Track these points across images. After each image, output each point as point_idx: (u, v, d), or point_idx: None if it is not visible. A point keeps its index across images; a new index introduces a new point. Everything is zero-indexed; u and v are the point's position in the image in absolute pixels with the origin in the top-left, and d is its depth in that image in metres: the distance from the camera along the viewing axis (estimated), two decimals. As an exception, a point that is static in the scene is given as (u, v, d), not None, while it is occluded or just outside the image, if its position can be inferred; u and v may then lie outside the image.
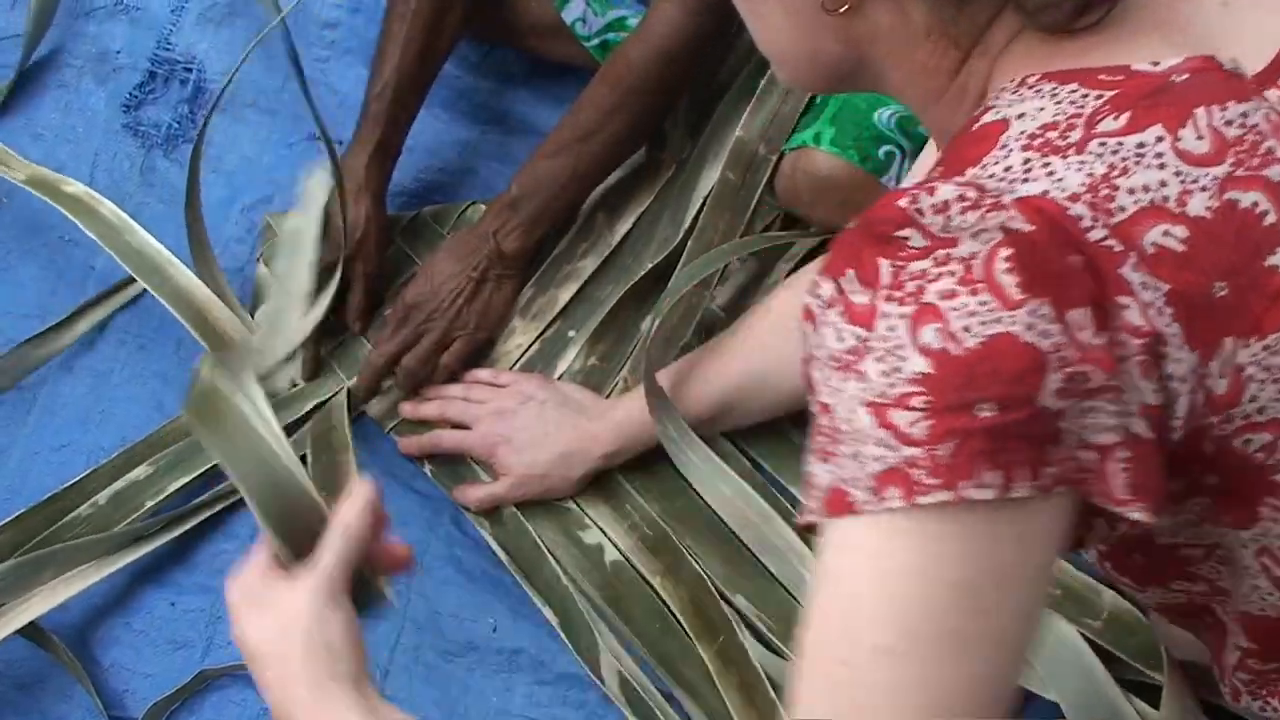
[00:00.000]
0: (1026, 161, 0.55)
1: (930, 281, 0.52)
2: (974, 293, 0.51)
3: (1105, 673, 0.94)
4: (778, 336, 1.04)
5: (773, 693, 1.00)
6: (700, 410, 1.09)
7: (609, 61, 1.16)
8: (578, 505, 1.13)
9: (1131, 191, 0.54)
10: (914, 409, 0.52)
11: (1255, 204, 0.55)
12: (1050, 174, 0.54)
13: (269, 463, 0.69)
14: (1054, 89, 0.57)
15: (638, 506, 1.12)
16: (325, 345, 1.20)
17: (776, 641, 1.04)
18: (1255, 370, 0.57)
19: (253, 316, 1.22)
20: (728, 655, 1.03)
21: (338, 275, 1.15)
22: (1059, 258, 0.52)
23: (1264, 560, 0.65)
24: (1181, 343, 0.54)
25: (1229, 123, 0.56)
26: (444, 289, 1.16)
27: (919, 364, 0.51)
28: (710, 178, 1.22)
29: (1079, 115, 0.55)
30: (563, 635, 1.07)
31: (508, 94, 1.35)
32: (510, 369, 1.19)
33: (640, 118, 1.16)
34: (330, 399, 1.18)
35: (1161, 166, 0.54)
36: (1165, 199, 0.54)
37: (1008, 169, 0.55)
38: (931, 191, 0.53)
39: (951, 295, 0.51)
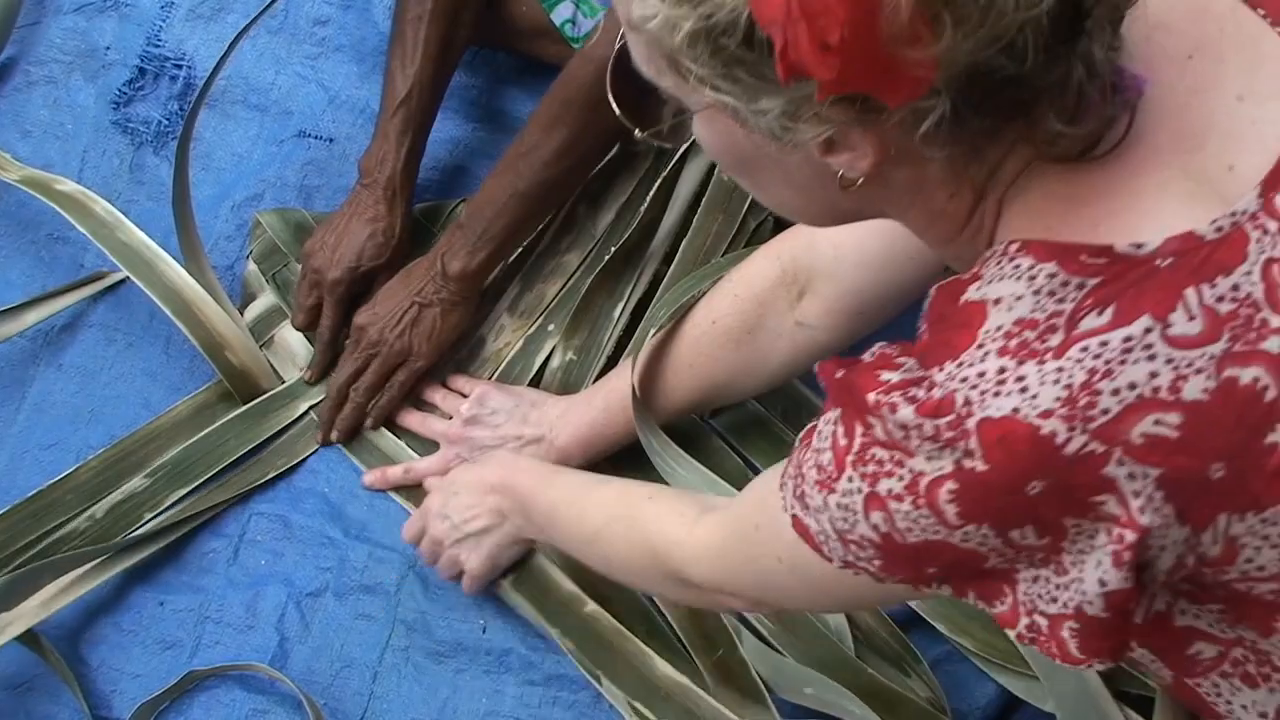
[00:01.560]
0: (1001, 370, 0.55)
1: (884, 476, 0.58)
2: (916, 505, 0.57)
3: (1099, 681, 0.93)
4: (729, 349, 1.04)
5: (773, 706, 1.00)
6: (661, 420, 1.09)
7: (558, 78, 1.13)
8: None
9: (1116, 392, 0.53)
10: (864, 549, 0.61)
11: (1256, 379, 0.54)
12: (1023, 390, 0.54)
13: None
14: (1032, 268, 0.56)
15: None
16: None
17: (773, 642, 1.03)
18: (1251, 539, 0.57)
19: (242, 314, 1.21)
20: (726, 668, 1.02)
21: None
22: (1011, 492, 0.55)
23: None
24: (1172, 522, 0.55)
25: (1220, 299, 0.54)
26: (387, 313, 1.14)
27: (868, 532, 0.60)
28: (695, 171, 1.20)
29: (1059, 314, 0.54)
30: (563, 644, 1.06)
31: (498, 92, 1.34)
32: (496, 369, 1.19)
33: (582, 132, 1.11)
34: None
35: (1151, 358, 0.53)
36: (1156, 390, 0.53)
37: (981, 374, 0.55)
38: (894, 409, 0.56)
39: (898, 498, 0.57)
